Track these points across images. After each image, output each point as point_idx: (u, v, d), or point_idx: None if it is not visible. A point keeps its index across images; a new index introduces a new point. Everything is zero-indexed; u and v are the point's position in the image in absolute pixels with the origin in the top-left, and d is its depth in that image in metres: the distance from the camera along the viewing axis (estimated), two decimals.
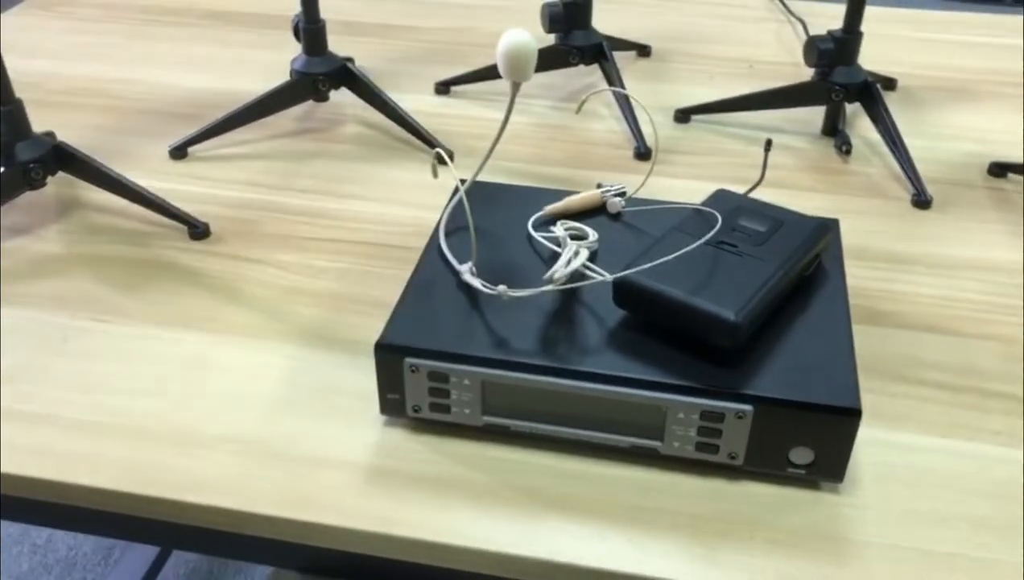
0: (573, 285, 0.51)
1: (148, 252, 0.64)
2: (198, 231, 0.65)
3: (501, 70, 0.50)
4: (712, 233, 0.51)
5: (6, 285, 0.61)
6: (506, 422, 0.49)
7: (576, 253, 0.50)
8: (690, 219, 0.53)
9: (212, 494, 0.47)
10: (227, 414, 0.52)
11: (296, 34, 0.76)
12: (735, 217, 0.53)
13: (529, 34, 0.49)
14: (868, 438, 0.50)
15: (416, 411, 0.50)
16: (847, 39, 0.73)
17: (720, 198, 0.56)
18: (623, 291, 0.48)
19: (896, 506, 0.47)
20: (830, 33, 0.74)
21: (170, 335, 0.57)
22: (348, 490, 0.47)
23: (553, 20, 0.79)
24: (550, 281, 0.49)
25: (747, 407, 0.45)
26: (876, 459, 0.49)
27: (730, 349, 0.47)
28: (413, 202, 0.69)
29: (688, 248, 0.49)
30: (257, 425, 0.51)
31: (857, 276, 0.62)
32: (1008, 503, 0.47)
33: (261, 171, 0.73)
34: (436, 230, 0.56)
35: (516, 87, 0.51)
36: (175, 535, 0.50)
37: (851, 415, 0.45)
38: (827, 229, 0.53)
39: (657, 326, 0.49)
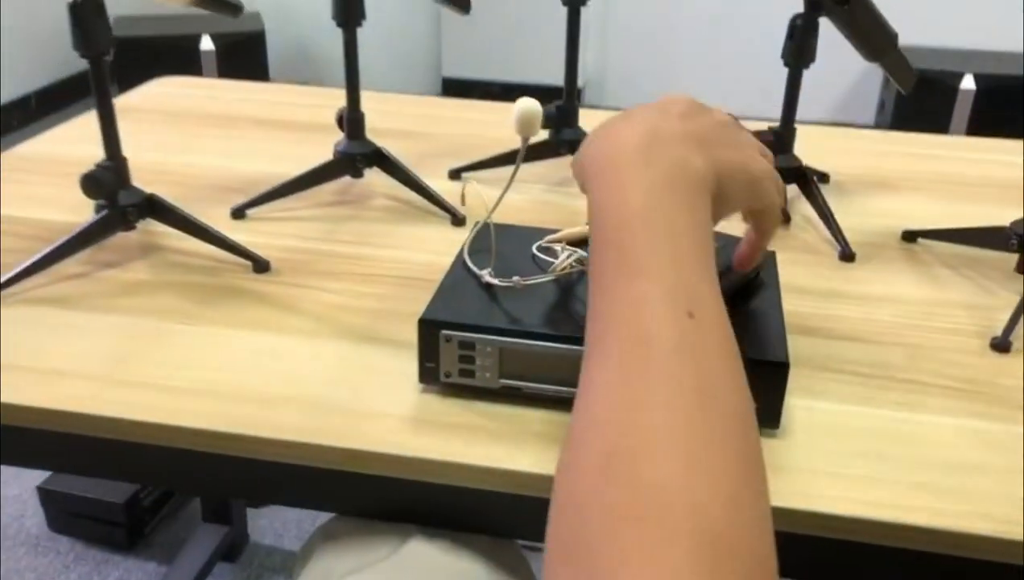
0: (572, 271, 0.66)
1: (219, 280, 0.79)
2: (261, 265, 0.80)
3: (515, 128, 0.66)
4: None
5: (100, 300, 0.76)
6: (519, 384, 0.63)
7: (571, 254, 0.66)
8: None
9: (288, 432, 0.60)
10: (294, 385, 0.65)
11: (339, 123, 0.93)
12: None
13: (535, 102, 0.66)
14: (797, 404, 0.65)
15: (447, 377, 0.64)
16: (783, 132, 0.92)
17: None
18: None
19: (819, 446, 0.61)
20: (770, 128, 0.92)
21: (242, 333, 0.71)
22: (396, 432, 0.61)
23: (548, 118, 0.97)
24: (554, 272, 0.64)
25: None
26: (804, 417, 0.63)
27: None
28: (436, 250, 0.84)
29: None
30: (318, 391, 0.65)
31: (792, 304, 0.77)
32: (906, 445, 0.61)
33: (308, 228, 0.89)
34: (461, 251, 0.71)
35: (525, 141, 0.67)
36: (255, 481, 0.63)
37: (781, 367, 0.59)
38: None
39: None
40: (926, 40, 3.38)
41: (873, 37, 0.88)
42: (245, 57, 3.49)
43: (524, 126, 0.66)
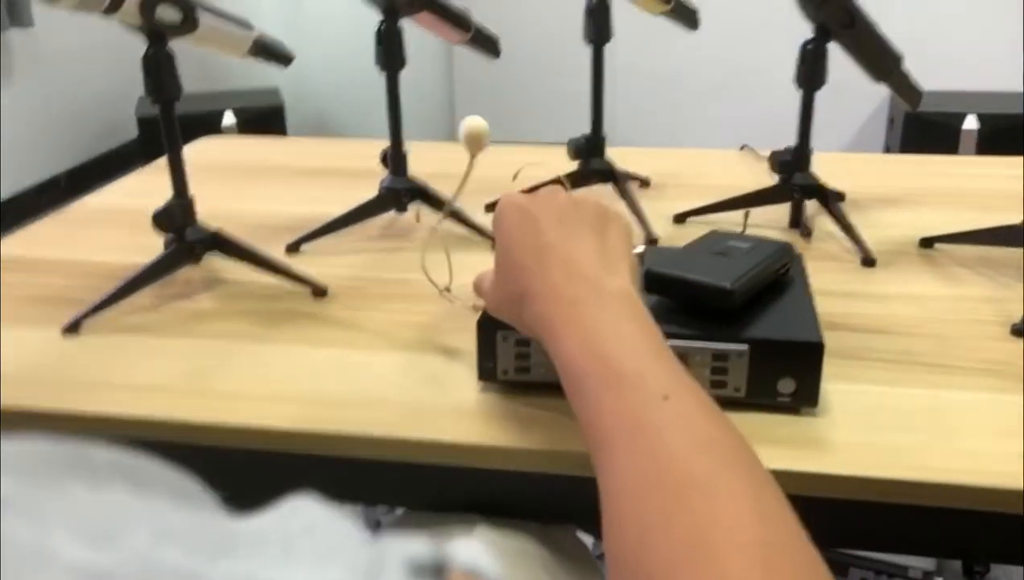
0: None
1: (281, 305, 0.85)
2: (319, 290, 0.86)
3: (463, 144, 0.73)
4: (709, 242, 0.72)
5: (174, 327, 0.81)
6: None
7: None
8: (695, 242, 0.75)
9: (368, 426, 0.65)
10: (362, 390, 0.70)
11: (384, 161, 1.00)
12: (726, 240, 0.74)
13: (482, 119, 0.72)
14: (833, 388, 0.69)
15: (504, 374, 0.68)
16: (801, 151, 0.98)
17: (712, 234, 0.77)
18: (651, 278, 0.69)
19: (858, 422, 0.65)
20: (787, 148, 0.98)
21: (308, 349, 0.77)
22: (461, 426, 0.66)
23: (577, 150, 1.03)
24: None
25: (744, 347, 0.64)
26: (840, 399, 0.68)
27: (729, 311, 0.66)
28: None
29: (687, 246, 0.71)
30: (385, 393, 0.70)
31: (820, 304, 0.82)
32: (939, 417, 0.65)
33: (358, 259, 0.95)
34: None
35: (472, 158, 0.74)
36: (327, 479, 0.68)
37: (817, 347, 0.64)
38: (791, 246, 0.75)
39: (678, 303, 0.69)
40: (929, 83, 3.46)
41: (879, 58, 0.94)
42: (265, 132, 3.60)
43: (471, 143, 0.72)
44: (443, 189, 1.06)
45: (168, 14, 0.78)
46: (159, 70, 0.79)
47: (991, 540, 0.63)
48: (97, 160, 3.88)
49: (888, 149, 3.59)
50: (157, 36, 0.78)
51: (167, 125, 0.82)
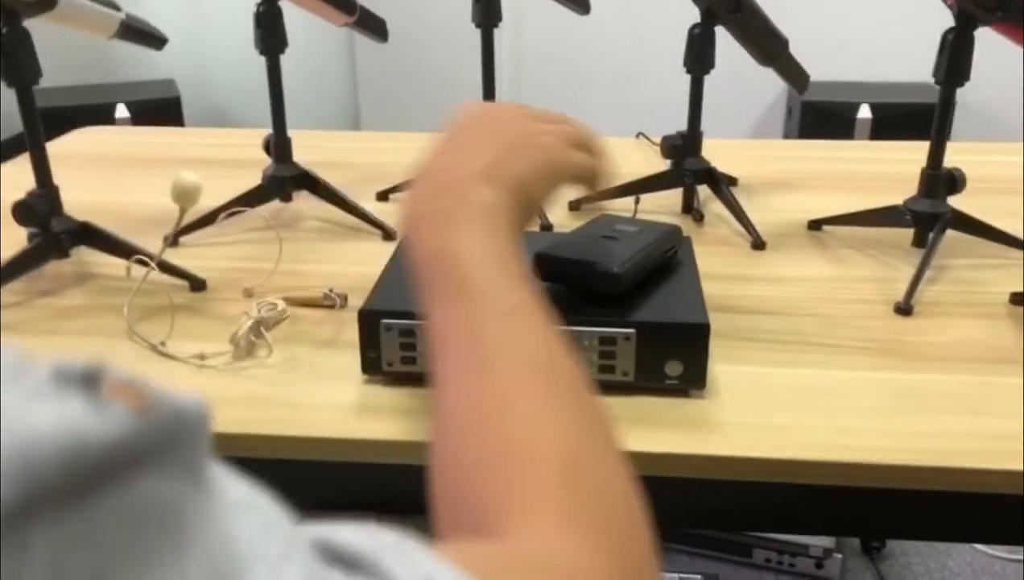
0: None
1: (157, 300, 0.80)
2: (197, 284, 0.82)
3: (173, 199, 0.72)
4: (598, 225, 0.71)
5: (40, 324, 0.76)
6: None
7: None
8: (584, 226, 0.73)
9: (248, 424, 0.62)
10: (245, 387, 0.67)
11: (267, 149, 0.96)
12: (614, 223, 0.73)
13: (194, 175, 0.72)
14: (721, 370, 0.68)
15: (390, 365, 0.66)
16: (691, 136, 0.97)
17: (601, 217, 0.76)
18: (541, 261, 0.67)
19: (746, 403, 0.65)
20: (678, 133, 0.98)
21: (185, 345, 0.73)
22: (343, 420, 0.63)
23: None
24: None
25: (631, 330, 0.63)
26: (728, 380, 0.67)
27: (616, 295, 0.65)
28: (369, 263, 0.86)
29: (575, 230, 0.69)
30: (270, 390, 0.66)
31: (709, 288, 0.81)
32: (825, 396, 0.65)
33: (241, 250, 0.91)
34: (396, 250, 0.74)
35: (182, 212, 0.75)
36: None
37: (703, 329, 0.63)
38: (679, 229, 0.74)
39: (566, 287, 0.67)
40: (824, 74, 3.55)
41: (765, 43, 0.94)
42: (161, 124, 3.48)
43: (181, 198, 0.72)
44: (335, 178, 1.03)
45: None
46: (14, 50, 0.74)
47: (885, 516, 0.64)
48: None
49: (787, 137, 3.67)
50: (11, 14, 0.73)
51: (26, 110, 0.77)
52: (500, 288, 0.50)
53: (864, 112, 3.28)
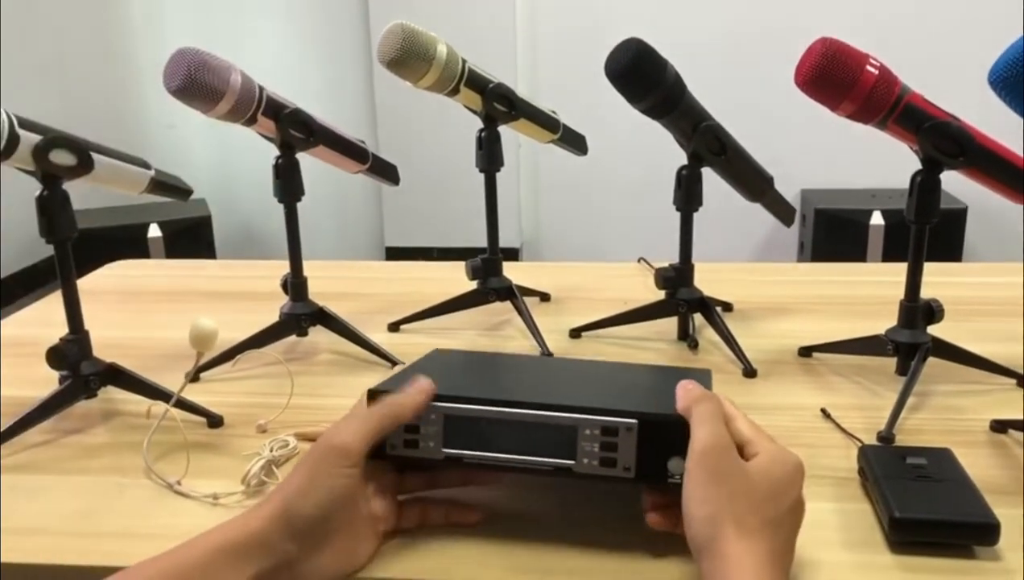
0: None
1: (177, 436, 0.85)
2: (214, 421, 0.87)
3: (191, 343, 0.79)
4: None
5: (67, 463, 0.81)
6: (461, 453, 0.67)
7: None
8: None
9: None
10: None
11: (284, 288, 1.02)
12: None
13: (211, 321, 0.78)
14: None
15: (392, 449, 0.69)
16: (683, 268, 1.03)
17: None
18: None
19: None
20: (671, 265, 1.03)
21: (202, 482, 0.77)
22: None
23: (475, 270, 1.07)
24: None
25: (633, 421, 0.66)
26: None
27: None
28: None
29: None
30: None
31: None
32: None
33: (258, 385, 0.96)
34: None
35: (200, 356, 0.81)
36: None
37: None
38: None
39: None
40: (837, 183, 3.63)
41: (750, 181, 1.00)
42: (192, 242, 3.61)
43: (199, 342, 0.80)
44: (351, 307, 1.09)
45: (62, 157, 0.81)
46: (54, 211, 0.81)
47: None
48: (28, 270, 3.83)
49: (802, 244, 3.73)
50: (52, 178, 0.81)
51: (62, 265, 0.84)
52: None
53: (876, 218, 3.34)
